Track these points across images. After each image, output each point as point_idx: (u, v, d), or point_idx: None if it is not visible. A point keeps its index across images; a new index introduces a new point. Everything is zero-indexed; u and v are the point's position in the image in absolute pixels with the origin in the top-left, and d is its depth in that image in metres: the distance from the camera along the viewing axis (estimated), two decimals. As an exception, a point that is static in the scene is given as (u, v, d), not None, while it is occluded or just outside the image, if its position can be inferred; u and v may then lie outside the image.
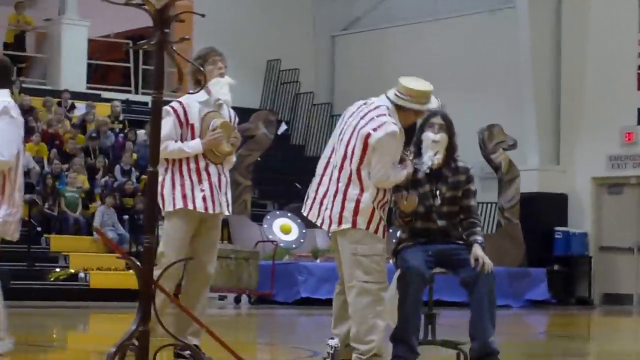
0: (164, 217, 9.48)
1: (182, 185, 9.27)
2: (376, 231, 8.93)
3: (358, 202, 8.91)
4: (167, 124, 9.15)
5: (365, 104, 9.14)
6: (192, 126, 9.28)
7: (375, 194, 8.91)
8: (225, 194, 9.47)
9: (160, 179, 9.10)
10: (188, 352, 8.73)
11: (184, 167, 9.30)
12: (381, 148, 8.87)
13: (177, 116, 9.31)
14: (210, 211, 9.31)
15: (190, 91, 9.42)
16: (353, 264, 8.92)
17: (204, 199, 9.23)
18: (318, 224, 9.15)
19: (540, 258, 28.08)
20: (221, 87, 9.31)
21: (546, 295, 27.11)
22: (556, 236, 28.64)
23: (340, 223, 8.96)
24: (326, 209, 9.04)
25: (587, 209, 29.18)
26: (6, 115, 8.59)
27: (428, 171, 9.37)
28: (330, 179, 9.08)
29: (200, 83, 9.23)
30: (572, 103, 29.33)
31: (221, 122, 9.26)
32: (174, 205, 9.26)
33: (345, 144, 9.00)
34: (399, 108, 9.10)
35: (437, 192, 9.40)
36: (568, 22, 29.44)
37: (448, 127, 9.52)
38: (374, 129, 8.86)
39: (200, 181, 9.26)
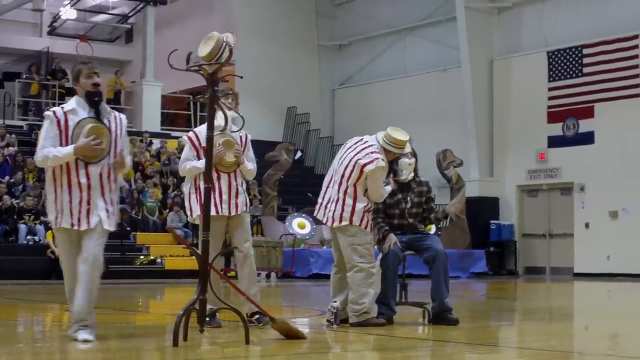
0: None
1: (199, 196, 8.95)
2: (366, 227, 9.06)
3: (353, 207, 9.04)
4: (185, 150, 9.14)
5: (360, 140, 9.27)
6: (204, 147, 8.69)
7: (365, 204, 9.06)
8: (236, 197, 9.05)
9: (187, 192, 9.13)
10: (256, 316, 8.73)
11: (200, 180, 8.91)
12: (373, 176, 9.07)
13: (192, 143, 9.09)
14: (223, 213, 8.95)
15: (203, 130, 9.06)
16: (351, 251, 9.02)
17: (215, 205, 8.85)
18: (324, 222, 9.30)
19: (481, 242, 28.02)
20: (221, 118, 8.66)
21: (485, 268, 27.05)
22: (491, 227, 28.59)
23: (340, 221, 9.08)
24: (329, 211, 9.16)
25: (513, 208, 29.14)
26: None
27: (396, 184, 9.55)
28: (332, 191, 9.18)
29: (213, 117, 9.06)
30: (501, 133, 29.33)
31: (223, 140, 8.90)
32: (192, 212, 9.06)
33: (344, 168, 9.16)
34: (384, 149, 9.20)
35: (408, 199, 9.58)
36: (498, 76, 29.46)
37: (414, 155, 9.73)
38: (369, 162, 9.04)
39: (213, 190, 8.78)
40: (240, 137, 9.20)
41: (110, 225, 7.62)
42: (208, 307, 7.95)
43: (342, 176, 9.12)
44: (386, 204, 9.56)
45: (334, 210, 9.11)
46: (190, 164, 9.01)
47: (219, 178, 8.97)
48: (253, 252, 9.19)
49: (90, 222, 7.54)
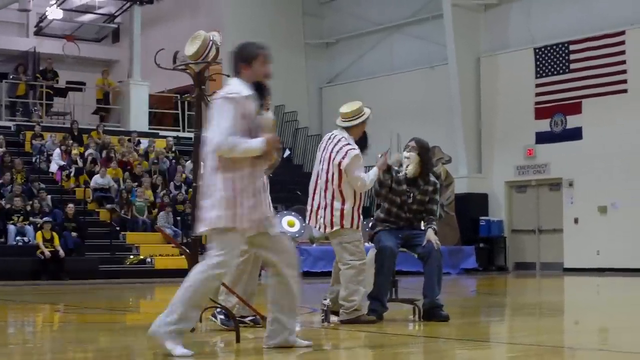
0: None
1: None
2: (357, 227, 9.13)
3: (342, 210, 9.12)
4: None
5: (329, 138, 9.32)
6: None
7: (353, 202, 9.11)
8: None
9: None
10: (249, 318, 8.69)
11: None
12: (351, 168, 9.02)
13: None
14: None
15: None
16: (341, 249, 9.07)
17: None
18: (316, 228, 9.36)
19: (470, 239, 28.09)
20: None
21: (475, 264, 27.11)
22: (481, 223, 28.63)
23: (332, 226, 9.15)
24: (320, 217, 9.22)
25: (502, 204, 29.19)
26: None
27: (404, 176, 9.54)
28: (319, 196, 9.25)
29: None
30: (489, 130, 29.37)
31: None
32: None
33: (326, 172, 9.23)
34: (347, 129, 9.15)
35: (411, 194, 9.57)
36: (485, 73, 29.51)
37: (420, 149, 9.68)
38: (343, 158, 9.09)
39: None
40: None
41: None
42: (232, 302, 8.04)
43: (327, 181, 9.20)
44: (392, 188, 9.56)
45: (324, 217, 9.18)
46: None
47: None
48: None
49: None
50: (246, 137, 6.58)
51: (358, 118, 9.31)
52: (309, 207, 9.39)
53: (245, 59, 6.81)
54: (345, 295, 9.03)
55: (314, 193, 9.31)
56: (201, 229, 6.70)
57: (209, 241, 6.75)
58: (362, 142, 9.37)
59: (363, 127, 9.38)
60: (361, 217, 9.30)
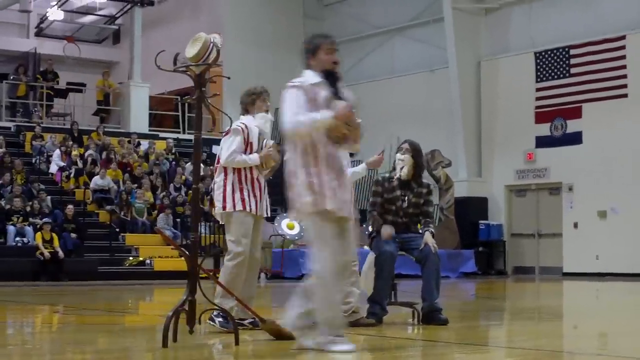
0: (217, 216, 8.85)
1: (241, 191, 8.60)
2: None
3: None
4: (237, 140, 8.58)
5: None
6: (251, 144, 8.67)
7: None
8: (266, 199, 8.83)
9: (221, 183, 8.68)
10: (248, 320, 8.66)
11: (242, 176, 8.64)
12: None
13: (244, 135, 8.64)
14: (258, 214, 8.69)
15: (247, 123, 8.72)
16: None
17: (256, 204, 8.65)
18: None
19: (469, 242, 28.08)
20: (265, 122, 8.81)
21: (474, 268, 27.10)
22: (480, 227, 28.63)
23: None
24: None
25: (501, 207, 29.18)
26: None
27: (397, 181, 9.53)
28: None
29: (249, 112, 8.82)
30: (489, 133, 29.38)
31: (272, 142, 8.80)
32: (234, 206, 8.55)
33: None
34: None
35: (405, 198, 9.53)
36: (485, 77, 29.52)
37: (413, 151, 9.64)
38: None
39: (253, 189, 8.67)
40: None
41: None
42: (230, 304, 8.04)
43: None
44: (384, 198, 9.56)
45: None
46: (242, 157, 8.61)
47: (258, 178, 8.75)
48: None
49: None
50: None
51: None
52: None
53: (311, 50, 7.09)
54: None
55: None
56: (294, 215, 6.94)
57: (304, 228, 7.02)
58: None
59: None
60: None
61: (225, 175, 8.71)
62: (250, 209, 8.63)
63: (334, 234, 6.81)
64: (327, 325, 6.79)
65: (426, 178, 9.82)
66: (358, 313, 9.04)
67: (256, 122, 8.73)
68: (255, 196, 8.69)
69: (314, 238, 6.85)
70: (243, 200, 8.63)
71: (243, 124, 8.75)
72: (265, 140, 8.82)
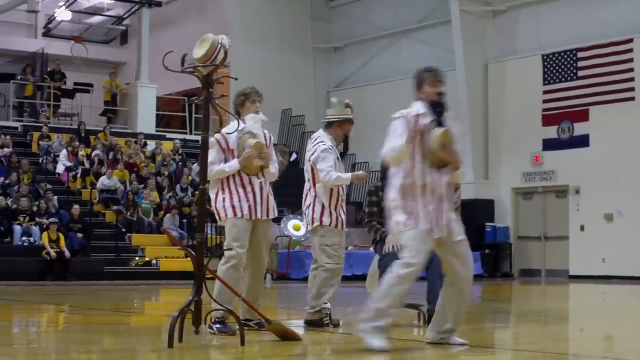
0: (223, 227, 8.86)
1: (231, 198, 8.56)
2: (336, 226, 9.25)
3: (322, 208, 9.24)
4: (212, 153, 8.50)
5: (310, 141, 9.53)
6: (232, 150, 8.59)
7: (329, 200, 9.12)
8: (268, 201, 8.68)
9: (214, 195, 8.70)
10: (254, 321, 8.64)
11: (232, 183, 8.57)
12: (317, 161, 9.21)
13: (220, 145, 8.62)
14: (254, 217, 8.57)
15: (228, 132, 8.78)
16: (320, 251, 9.25)
17: (249, 208, 8.56)
18: (306, 226, 9.47)
19: (476, 245, 27.85)
20: (255, 122, 8.70)
21: (480, 270, 27.06)
22: (487, 229, 28.60)
23: (312, 222, 9.29)
24: (307, 215, 9.37)
25: (508, 210, 29.16)
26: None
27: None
28: (309, 197, 9.38)
29: (239, 114, 8.76)
30: (496, 136, 29.36)
31: (254, 142, 8.54)
32: (227, 215, 8.56)
33: (307, 172, 9.41)
34: (333, 125, 9.46)
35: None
36: (493, 79, 29.50)
37: None
38: (312, 154, 9.29)
39: (246, 193, 8.56)
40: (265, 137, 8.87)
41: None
42: (220, 313, 8.05)
43: (308, 181, 9.37)
44: (382, 207, 9.55)
45: (308, 215, 9.34)
46: (218, 167, 8.58)
47: (250, 181, 8.64)
48: None
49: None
50: (420, 150, 7.37)
51: (333, 117, 9.54)
52: (303, 209, 9.54)
53: (417, 84, 7.70)
54: (314, 296, 9.18)
55: (306, 194, 9.43)
56: (394, 230, 7.57)
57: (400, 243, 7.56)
58: (345, 148, 9.60)
59: (340, 128, 9.48)
60: (342, 216, 9.31)
61: (218, 187, 8.73)
62: (243, 214, 8.56)
63: (422, 248, 7.37)
64: (377, 314, 7.27)
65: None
66: (322, 313, 9.17)
67: (247, 124, 8.67)
68: (248, 200, 8.61)
69: (404, 246, 7.43)
70: (233, 206, 8.59)
71: (219, 134, 8.76)
72: (247, 141, 8.60)
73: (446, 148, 7.40)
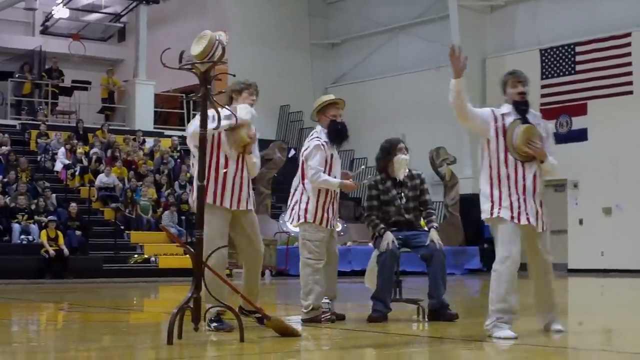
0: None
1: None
2: (320, 223, 9.26)
3: (307, 204, 9.28)
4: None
5: (309, 135, 9.53)
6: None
7: (316, 199, 9.11)
8: (242, 192, 8.44)
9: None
10: (256, 315, 8.64)
11: (212, 173, 8.28)
12: (308, 157, 9.29)
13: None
14: (233, 208, 8.39)
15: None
16: (301, 246, 9.37)
17: (222, 196, 8.34)
18: (291, 222, 9.56)
19: (475, 239, 28.06)
20: (243, 112, 8.38)
21: (479, 265, 27.11)
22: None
23: (298, 219, 9.35)
24: (294, 212, 9.42)
25: (506, 205, 29.14)
26: None
27: (391, 181, 9.56)
28: (295, 192, 9.48)
29: (232, 101, 8.64)
30: (494, 130, 29.34)
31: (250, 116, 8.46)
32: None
33: (299, 169, 9.50)
34: (320, 117, 9.53)
35: (402, 195, 9.58)
36: (491, 74, 29.51)
37: (407, 149, 9.75)
38: (305, 150, 9.39)
39: (224, 183, 8.32)
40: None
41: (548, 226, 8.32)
42: (214, 309, 8.01)
43: (300, 177, 9.42)
44: (381, 200, 9.59)
45: (295, 211, 9.39)
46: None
47: (232, 173, 8.40)
48: None
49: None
50: (503, 146, 8.17)
51: (317, 107, 9.58)
52: (288, 203, 9.59)
53: (502, 86, 8.72)
54: (302, 295, 9.26)
55: (295, 190, 9.47)
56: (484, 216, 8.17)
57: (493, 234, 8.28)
58: (334, 133, 9.38)
59: (325, 115, 9.48)
60: (329, 214, 9.27)
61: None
62: (215, 202, 8.33)
63: (512, 239, 8.06)
64: (497, 312, 7.92)
65: (428, 176, 9.87)
66: (317, 310, 9.21)
67: (239, 113, 8.42)
68: (225, 190, 8.39)
69: (497, 240, 8.20)
70: (215, 194, 8.36)
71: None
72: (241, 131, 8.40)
73: (530, 143, 8.10)
